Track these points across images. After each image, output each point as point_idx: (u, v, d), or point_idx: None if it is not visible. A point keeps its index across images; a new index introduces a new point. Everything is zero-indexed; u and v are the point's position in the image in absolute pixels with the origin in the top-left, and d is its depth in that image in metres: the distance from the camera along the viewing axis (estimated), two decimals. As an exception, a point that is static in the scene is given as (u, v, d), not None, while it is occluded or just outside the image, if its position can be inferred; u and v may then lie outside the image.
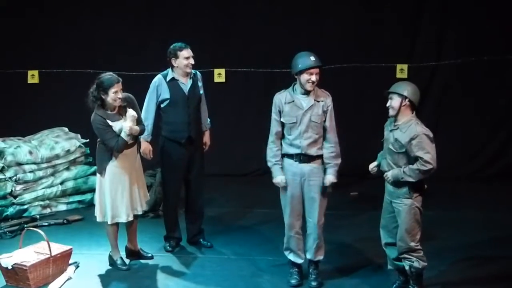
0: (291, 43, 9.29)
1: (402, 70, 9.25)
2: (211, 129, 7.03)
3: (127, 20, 9.57)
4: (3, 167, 7.83)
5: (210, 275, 6.30)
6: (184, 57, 6.53)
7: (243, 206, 8.26)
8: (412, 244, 5.55)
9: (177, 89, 6.60)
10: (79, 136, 8.55)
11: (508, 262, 6.43)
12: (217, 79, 9.42)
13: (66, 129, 8.71)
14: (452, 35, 9.38)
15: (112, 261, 6.47)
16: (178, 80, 6.61)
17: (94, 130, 6.21)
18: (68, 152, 8.32)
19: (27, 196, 7.96)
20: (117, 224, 6.37)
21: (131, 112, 6.17)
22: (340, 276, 6.24)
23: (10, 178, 7.87)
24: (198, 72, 6.79)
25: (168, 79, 6.62)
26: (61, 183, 8.27)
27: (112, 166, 6.18)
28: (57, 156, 8.22)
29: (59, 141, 8.33)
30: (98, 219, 6.34)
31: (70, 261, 6.32)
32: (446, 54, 9.48)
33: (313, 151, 5.88)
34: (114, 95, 6.08)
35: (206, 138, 6.94)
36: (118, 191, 6.21)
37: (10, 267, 5.93)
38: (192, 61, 6.56)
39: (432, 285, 5.90)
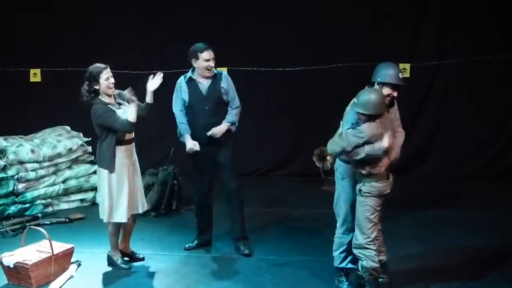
0: (294, 43, 9.34)
1: (404, 69, 9.23)
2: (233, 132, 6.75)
3: (130, 19, 9.58)
4: (5, 165, 7.84)
5: (210, 274, 6.30)
6: (204, 59, 6.45)
7: (245, 205, 8.23)
8: (362, 240, 5.50)
9: (195, 90, 6.55)
10: (81, 134, 8.56)
11: (510, 262, 6.42)
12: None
13: (68, 127, 8.72)
14: (454, 35, 9.37)
15: (112, 262, 6.45)
16: (196, 80, 6.55)
17: (97, 120, 6.12)
18: (70, 150, 8.32)
19: (29, 195, 7.96)
20: (120, 223, 6.35)
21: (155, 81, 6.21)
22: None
23: (12, 176, 7.88)
24: (223, 73, 6.68)
25: (187, 79, 6.59)
26: (63, 181, 8.27)
27: (116, 163, 6.16)
28: (59, 155, 8.22)
29: (61, 140, 8.34)
30: (106, 219, 6.26)
31: (72, 260, 6.32)
32: (448, 53, 9.47)
33: None
34: (107, 81, 6.10)
35: (220, 127, 6.57)
36: (123, 189, 6.21)
37: (12, 266, 5.94)
38: (212, 63, 6.47)
39: (434, 285, 5.89)
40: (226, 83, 6.61)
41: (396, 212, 7.26)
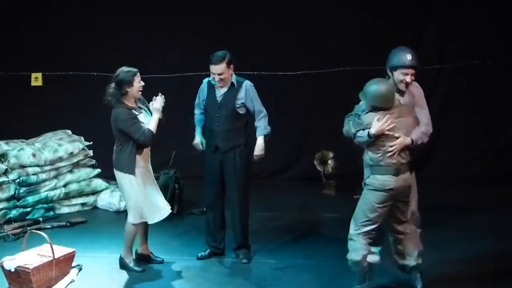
0: (295, 46, 9.34)
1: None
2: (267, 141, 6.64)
3: (131, 23, 9.59)
4: (6, 169, 7.84)
5: (212, 278, 6.30)
6: (211, 72, 6.40)
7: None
8: (351, 231, 5.47)
9: (211, 95, 6.51)
10: (82, 138, 8.56)
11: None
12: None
13: (69, 131, 8.72)
14: (455, 39, 9.38)
15: (124, 264, 6.45)
16: (214, 85, 6.51)
17: (118, 124, 6.11)
18: (71, 154, 8.32)
19: (30, 199, 7.96)
20: (139, 226, 6.38)
21: (159, 100, 6.19)
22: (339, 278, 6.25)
23: (13, 180, 7.88)
24: (245, 82, 6.49)
25: (208, 82, 6.58)
26: (64, 185, 8.27)
27: (138, 167, 6.19)
28: (60, 159, 8.22)
29: (63, 144, 8.34)
30: (135, 220, 6.27)
31: (73, 264, 6.31)
32: (449, 57, 9.47)
33: None
34: (139, 84, 6.18)
35: (258, 147, 6.54)
36: (149, 190, 6.27)
37: (13, 270, 5.93)
38: (216, 77, 6.34)
39: (435, 287, 5.88)
40: (245, 94, 6.46)
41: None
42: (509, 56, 9.13)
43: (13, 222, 7.67)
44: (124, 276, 6.36)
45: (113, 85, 6.17)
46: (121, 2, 9.60)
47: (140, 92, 6.25)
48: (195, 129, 6.70)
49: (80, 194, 8.41)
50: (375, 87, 5.34)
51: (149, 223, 6.37)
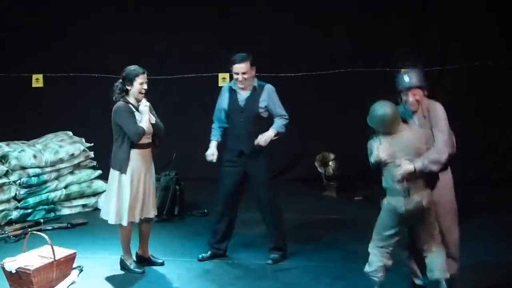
0: (296, 48, 9.35)
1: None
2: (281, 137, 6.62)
3: (132, 24, 9.60)
4: (7, 171, 7.84)
5: (214, 279, 6.29)
6: (234, 72, 6.43)
7: (246, 210, 8.22)
8: (370, 244, 5.46)
9: (233, 100, 6.50)
10: (83, 140, 8.56)
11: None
12: (221, 83, 9.42)
13: (70, 133, 8.72)
14: (456, 40, 9.38)
15: (125, 265, 6.45)
16: (236, 90, 6.51)
17: (115, 117, 6.14)
18: (72, 156, 8.32)
19: (31, 200, 7.97)
20: (131, 226, 6.34)
21: (144, 102, 6.20)
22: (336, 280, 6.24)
23: (14, 182, 7.88)
24: (266, 86, 6.53)
25: (229, 88, 6.57)
26: (65, 187, 8.27)
27: (130, 166, 6.17)
28: (61, 160, 8.23)
29: (64, 145, 8.34)
30: (113, 221, 6.26)
31: (74, 265, 6.30)
32: (450, 59, 9.47)
33: None
34: (140, 86, 6.19)
35: (266, 134, 6.43)
36: (135, 191, 6.21)
37: (14, 271, 5.92)
38: (240, 77, 6.37)
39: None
40: (267, 96, 6.49)
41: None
42: (509, 57, 9.12)
43: (14, 224, 7.68)
44: (125, 277, 6.35)
45: (119, 80, 6.25)
46: (121, 3, 9.61)
47: (142, 95, 6.24)
48: (210, 141, 6.65)
49: (81, 195, 8.42)
50: (377, 111, 5.32)
51: (123, 224, 6.28)
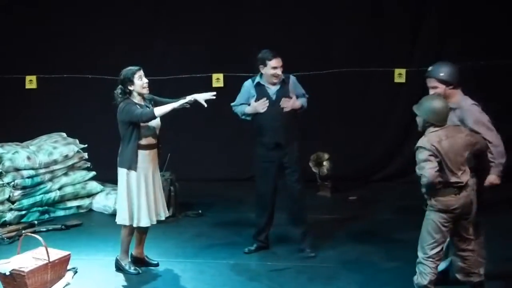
0: (291, 48, 9.32)
1: (400, 74, 9.26)
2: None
3: (127, 25, 9.58)
4: (1, 172, 7.83)
5: (209, 280, 6.29)
6: (272, 67, 6.51)
7: (243, 211, 8.25)
8: (420, 254, 5.35)
9: (263, 94, 6.59)
10: (77, 141, 8.55)
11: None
12: (215, 84, 9.43)
13: (64, 134, 8.71)
14: (450, 40, 9.38)
15: (120, 266, 6.45)
16: (264, 85, 6.61)
17: (121, 115, 6.14)
18: (66, 157, 8.31)
19: (25, 202, 7.95)
20: (133, 228, 6.35)
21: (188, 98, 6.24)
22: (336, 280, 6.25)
23: (8, 183, 7.87)
24: (291, 76, 6.72)
25: (255, 83, 6.64)
26: (59, 188, 8.26)
27: (138, 167, 6.19)
28: (55, 162, 8.21)
29: (57, 147, 8.33)
30: (124, 222, 6.27)
31: (69, 267, 6.29)
32: (444, 59, 9.46)
33: None
34: (141, 81, 6.20)
35: (294, 100, 6.63)
36: (143, 192, 6.22)
37: (8, 273, 5.91)
38: (279, 71, 6.51)
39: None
40: (294, 86, 6.68)
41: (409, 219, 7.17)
42: (504, 58, 9.13)
43: (8, 225, 7.66)
44: (119, 278, 6.35)
45: (118, 86, 6.24)
46: (116, 4, 9.59)
47: (146, 89, 6.25)
48: (248, 109, 6.68)
49: (75, 197, 8.40)
50: (432, 102, 5.33)
51: (133, 226, 6.31)
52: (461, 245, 5.45)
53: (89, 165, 8.52)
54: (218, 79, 9.48)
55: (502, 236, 6.95)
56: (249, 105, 6.66)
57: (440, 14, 9.39)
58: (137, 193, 6.21)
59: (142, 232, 6.49)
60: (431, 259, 5.31)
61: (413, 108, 5.41)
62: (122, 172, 6.23)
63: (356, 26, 9.41)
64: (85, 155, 8.49)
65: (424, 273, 5.32)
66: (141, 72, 6.24)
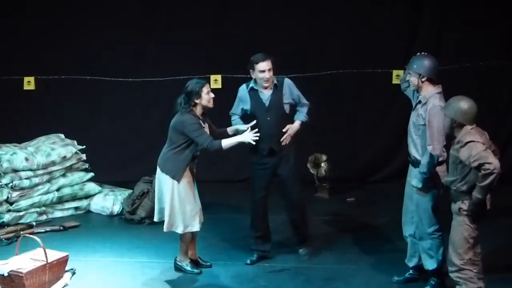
0: (288, 49, 9.34)
1: (398, 76, 9.24)
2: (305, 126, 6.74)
3: (124, 26, 9.57)
4: (-1, 174, 7.84)
5: (206, 281, 6.31)
6: (259, 70, 6.35)
7: (237, 212, 8.25)
8: (456, 262, 5.27)
9: (256, 99, 6.49)
10: (75, 142, 8.54)
11: None
12: (213, 85, 9.41)
13: (62, 135, 8.70)
14: (448, 41, 9.38)
15: (181, 267, 6.50)
16: (257, 90, 6.50)
17: (184, 128, 6.14)
18: (64, 158, 8.31)
19: (23, 203, 7.95)
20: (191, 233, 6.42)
21: (251, 135, 6.18)
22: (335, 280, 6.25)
23: (6, 184, 7.86)
24: (285, 80, 6.56)
25: (249, 88, 6.55)
26: (58, 189, 8.25)
27: (186, 175, 6.23)
28: (53, 163, 8.21)
29: (56, 148, 8.32)
30: (181, 230, 6.29)
31: (67, 268, 6.30)
32: (442, 59, 9.47)
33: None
34: (208, 95, 6.22)
35: (293, 126, 6.56)
36: (193, 199, 6.29)
37: (6, 274, 5.91)
38: (267, 74, 6.35)
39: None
40: (289, 90, 6.53)
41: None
42: (503, 58, 9.13)
43: (6, 227, 7.66)
44: (117, 280, 6.36)
45: (183, 96, 6.23)
46: (113, 5, 9.58)
47: (212, 103, 6.25)
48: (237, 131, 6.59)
49: (73, 198, 8.40)
50: (460, 102, 5.36)
51: (194, 230, 6.37)
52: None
53: (87, 166, 8.51)
54: (216, 81, 9.47)
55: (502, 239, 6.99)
56: (242, 116, 6.59)
57: (439, 16, 9.40)
58: (187, 201, 6.25)
59: (195, 234, 6.53)
60: (468, 264, 5.25)
61: (441, 108, 5.47)
62: (165, 180, 6.25)
63: (354, 27, 9.41)
64: (83, 156, 8.48)
65: (469, 277, 5.24)
66: (209, 86, 6.27)
